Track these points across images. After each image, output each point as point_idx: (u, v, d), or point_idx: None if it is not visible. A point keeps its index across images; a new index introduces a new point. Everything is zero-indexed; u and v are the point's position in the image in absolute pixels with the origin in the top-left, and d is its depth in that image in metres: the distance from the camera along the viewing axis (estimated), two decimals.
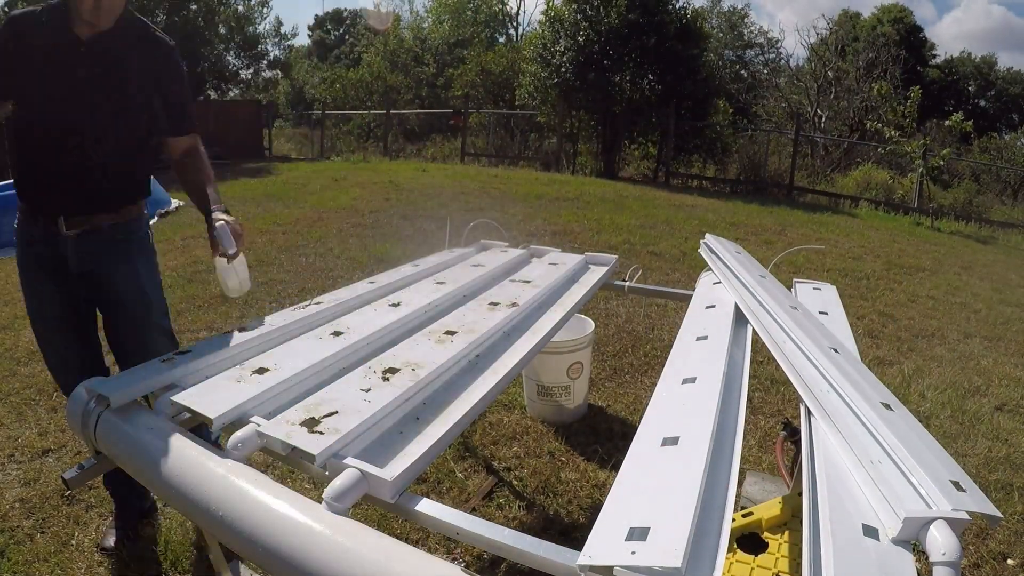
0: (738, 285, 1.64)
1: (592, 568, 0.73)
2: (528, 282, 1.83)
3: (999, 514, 0.79)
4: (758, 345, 1.42)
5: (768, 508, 1.56)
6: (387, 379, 1.18)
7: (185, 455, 0.97)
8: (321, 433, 0.99)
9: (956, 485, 0.82)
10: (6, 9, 12.94)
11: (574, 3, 11.92)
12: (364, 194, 8.23)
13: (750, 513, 1.55)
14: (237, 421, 1.05)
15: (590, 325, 2.71)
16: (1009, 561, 1.94)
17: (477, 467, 2.34)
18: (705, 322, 1.51)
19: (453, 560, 1.86)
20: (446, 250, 2.21)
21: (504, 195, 8.54)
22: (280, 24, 28.85)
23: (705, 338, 1.39)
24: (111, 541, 1.84)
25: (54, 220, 1.56)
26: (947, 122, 11.33)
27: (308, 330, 1.42)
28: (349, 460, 0.93)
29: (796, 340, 1.29)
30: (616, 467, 0.96)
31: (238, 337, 1.33)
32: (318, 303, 1.56)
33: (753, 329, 1.45)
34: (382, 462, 0.95)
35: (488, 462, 2.37)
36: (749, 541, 1.51)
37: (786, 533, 1.51)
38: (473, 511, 2.02)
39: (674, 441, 0.95)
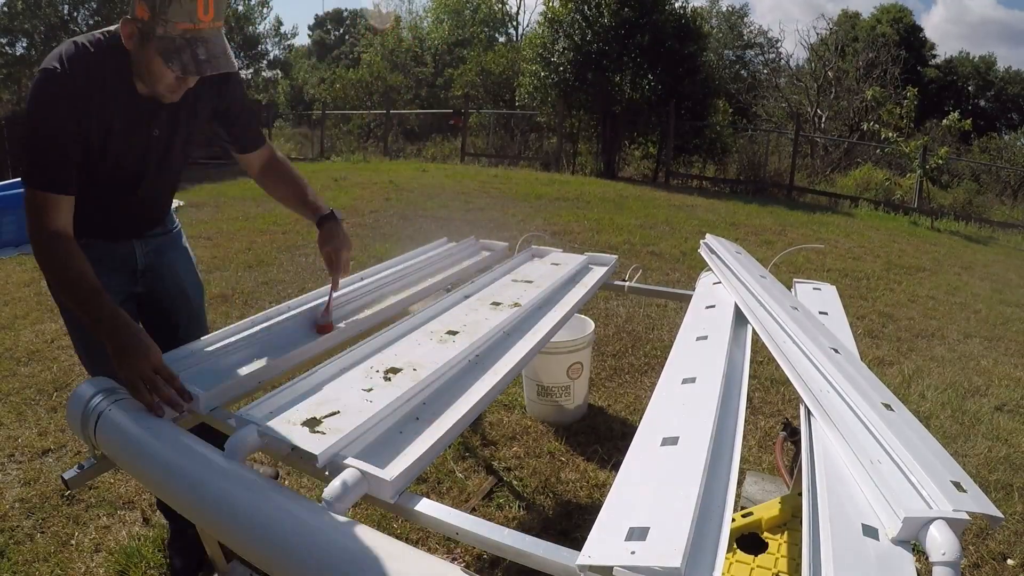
0: (738, 285, 1.64)
1: (592, 568, 0.73)
2: (530, 282, 1.83)
3: (1000, 515, 0.79)
4: (758, 345, 1.42)
5: (768, 508, 1.56)
6: (389, 379, 1.18)
7: (185, 455, 0.97)
8: (323, 433, 0.99)
9: (957, 486, 0.82)
10: (6, 9, 12.95)
11: (571, 3, 11.92)
12: (364, 194, 8.23)
13: (750, 513, 1.55)
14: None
15: (590, 325, 2.71)
16: (1009, 561, 1.94)
17: (477, 467, 2.34)
18: (705, 322, 1.51)
19: (453, 560, 1.86)
20: (443, 239, 2.21)
21: (504, 195, 8.54)
22: (280, 24, 28.82)
23: (705, 338, 1.39)
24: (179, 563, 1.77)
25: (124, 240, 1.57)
26: (944, 121, 11.32)
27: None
28: (349, 460, 0.93)
29: (796, 340, 1.29)
30: (616, 467, 0.96)
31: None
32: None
33: (753, 329, 1.45)
34: (382, 462, 0.95)
35: (488, 462, 2.37)
36: (749, 541, 1.51)
37: (786, 533, 1.51)
38: (473, 511, 2.02)
39: (674, 441, 0.95)
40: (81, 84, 1.22)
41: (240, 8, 17.46)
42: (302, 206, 1.58)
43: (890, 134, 10.42)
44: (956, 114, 11.07)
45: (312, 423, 1.03)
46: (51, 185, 1.23)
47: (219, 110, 1.49)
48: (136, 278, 1.59)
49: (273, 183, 1.62)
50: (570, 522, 2.05)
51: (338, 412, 1.06)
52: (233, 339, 1.34)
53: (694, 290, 1.85)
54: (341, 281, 1.59)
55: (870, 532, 0.78)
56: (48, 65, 1.20)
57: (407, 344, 1.36)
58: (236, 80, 1.50)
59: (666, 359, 1.32)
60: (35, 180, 1.23)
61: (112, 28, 1.27)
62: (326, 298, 1.51)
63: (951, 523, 0.75)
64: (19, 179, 7.58)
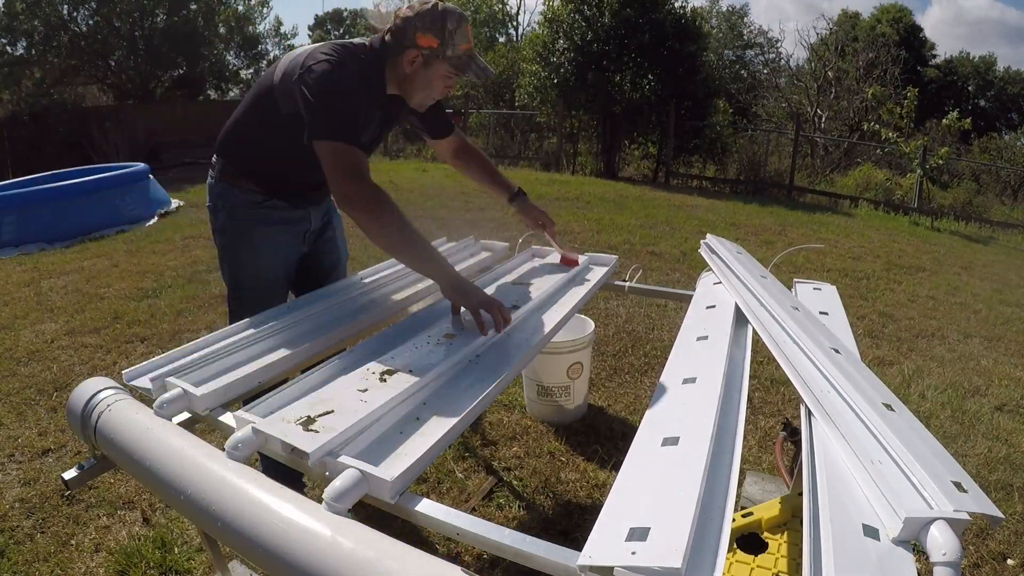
0: (739, 285, 1.64)
1: (592, 568, 0.73)
2: (530, 283, 1.83)
3: (1001, 515, 0.79)
4: (758, 345, 1.41)
5: (768, 508, 1.56)
6: (384, 380, 1.18)
7: (185, 456, 0.97)
8: (316, 432, 0.99)
9: (958, 486, 0.82)
10: (5, 9, 12.95)
11: (571, 3, 11.92)
12: None
13: (750, 513, 1.55)
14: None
15: (590, 325, 2.71)
16: (1009, 561, 1.94)
17: (477, 467, 2.34)
18: (705, 322, 1.51)
19: (453, 560, 1.86)
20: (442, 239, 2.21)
21: None
22: (280, 24, 28.86)
23: (705, 338, 1.39)
24: None
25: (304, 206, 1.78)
26: (944, 121, 11.31)
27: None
28: (349, 460, 0.93)
29: (797, 340, 1.28)
30: (616, 467, 0.96)
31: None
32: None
33: (753, 329, 1.45)
34: (382, 462, 0.95)
35: (488, 462, 2.37)
36: (749, 541, 1.51)
37: (786, 533, 1.51)
38: (473, 511, 2.02)
39: (674, 441, 0.95)
40: (355, 78, 1.46)
41: (240, 8, 17.45)
42: (494, 184, 1.96)
43: (890, 134, 10.41)
44: (956, 113, 11.06)
45: (307, 422, 1.03)
46: (353, 137, 1.40)
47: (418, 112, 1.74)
48: (304, 239, 1.81)
49: (466, 164, 1.95)
50: (570, 522, 2.05)
51: (332, 411, 1.06)
52: (234, 339, 1.34)
53: (694, 290, 1.85)
54: (344, 283, 1.69)
55: (870, 532, 0.78)
56: (327, 59, 1.41)
57: (406, 344, 1.36)
58: None
59: (666, 359, 1.32)
60: (339, 132, 1.38)
61: (348, 42, 1.54)
62: (559, 251, 2.02)
63: (952, 523, 0.75)
64: (19, 179, 7.47)
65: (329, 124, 1.38)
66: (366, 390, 1.14)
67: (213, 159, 1.71)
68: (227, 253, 1.75)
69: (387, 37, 1.55)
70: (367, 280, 1.77)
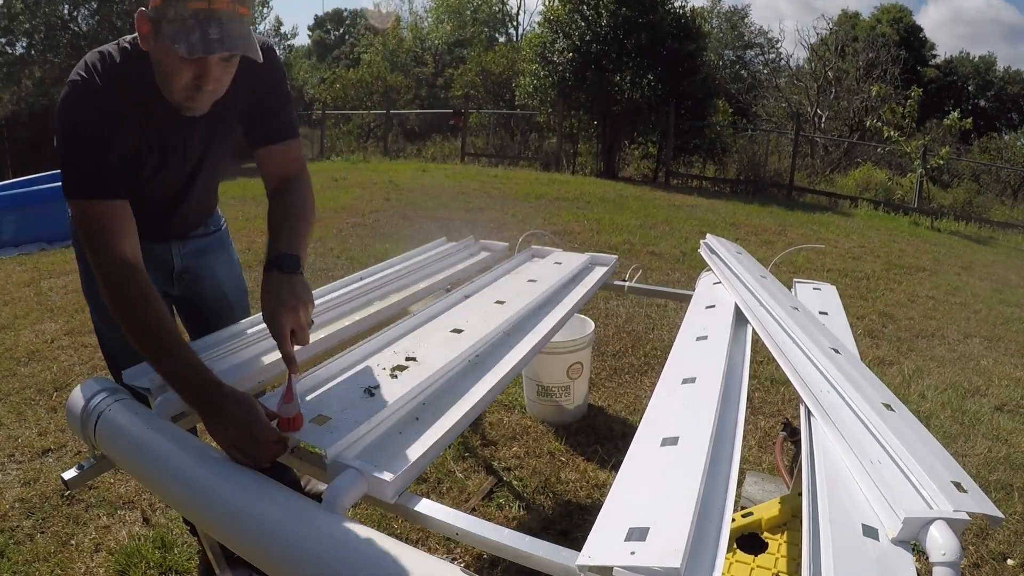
0: (739, 285, 1.64)
1: (591, 568, 0.73)
2: (533, 281, 1.83)
3: (1001, 515, 0.79)
4: (758, 345, 1.41)
5: (768, 508, 1.56)
6: (395, 376, 1.19)
7: (184, 455, 0.97)
8: (330, 431, 0.99)
9: (958, 486, 0.82)
10: (5, 9, 12.93)
11: (569, 3, 11.92)
12: (364, 194, 8.22)
13: (750, 513, 1.55)
14: None
15: (590, 325, 2.71)
16: (1009, 561, 1.94)
17: (477, 467, 2.34)
18: (705, 322, 1.51)
19: (453, 560, 1.86)
20: (441, 239, 2.21)
21: (504, 195, 8.54)
22: (280, 24, 28.80)
23: (705, 338, 1.39)
24: None
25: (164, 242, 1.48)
26: (945, 121, 11.31)
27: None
28: (349, 460, 0.93)
29: (797, 340, 1.28)
30: (616, 467, 0.96)
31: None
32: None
33: (752, 329, 1.45)
34: (382, 462, 0.95)
35: (488, 462, 2.37)
36: (749, 541, 1.51)
37: (786, 533, 1.51)
38: (473, 511, 2.02)
39: (674, 441, 0.95)
40: (107, 93, 1.12)
41: None
42: (272, 237, 1.23)
43: (892, 133, 10.42)
44: (956, 114, 11.06)
45: (318, 420, 1.03)
46: (94, 189, 1.10)
47: (261, 99, 1.30)
48: (172, 279, 1.52)
49: (273, 201, 1.33)
50: (570, 522, 2.05)
51: (341, 410, 1.06)
52: (234, 339, 1.34)
53: (694, 290, 1.85)
54: (352, 284, 1.49)
55: (870, 532, 0.78)
56: (74, 76, 1.12)
57: (407, 343, 1.36)
58: (272, 61, 1.25)
59: (666, 359, 1.32)
60: (76, 189, 1.10)
61: (121, 39, 1.18)
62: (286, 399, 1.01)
63: (951, 523, 0.75)
64: (19, 179, 7.47)
65: (66, 180, 1.11)
66: (377, 386, 1.14)
67: None
68: (87, 288, 1.47)
69: None
70: (367, 281, 1.76)
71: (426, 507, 0.90)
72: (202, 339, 1.30)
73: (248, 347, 1.28)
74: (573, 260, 2.09)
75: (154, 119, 1.19)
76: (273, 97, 1.33)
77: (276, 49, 1.35)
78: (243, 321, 1.41)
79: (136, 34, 1.12)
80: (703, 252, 2.00)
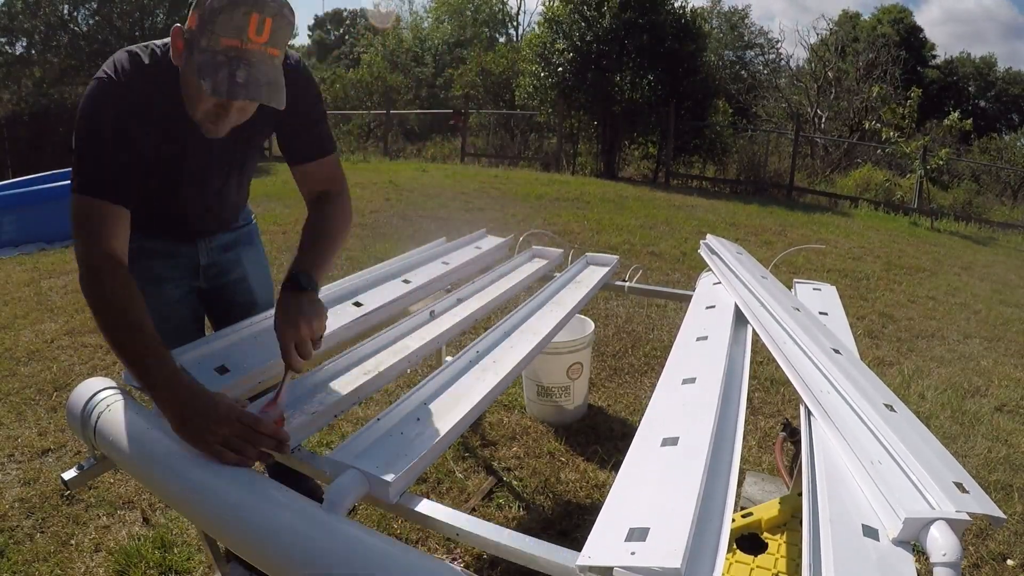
0: (739, 286, 1.64)
1: (591, 568, 0.73)
2: (529, 283, 1.83)
3: (1003, 515, 0.79)
4: (758, 345, 1.41)
5: (768, 508, 1.56)
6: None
7: (184, 456, 0.97)
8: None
9: (959, 486, 0.82)
10: (5, 9, 12.93)
11: (570, 4, 11.92)
12: (364, 194, 8.22)
13: (750, 514, 1.55)
14: None
15: (590, 325, 2.71)
16: (1009, 562, 1.94)
17: (477, 467, 2.34)
18: (705, 322, 1.51)
19: (453, 560, 1.86)
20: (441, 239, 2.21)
21: (504, 195, 8.54)
22: None
23: (705, 338, 1.39)
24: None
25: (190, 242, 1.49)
26: (946, 122, 11.31)
27: None
28: (350, 461, 0.93)
29: (798, 341, 1.28)
30: (616, 467, 0.96)
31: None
32: None
33: (753, 329, 1.45)
34: (382, 463, 0.95)
35: (488, 462, 2.37)
36: (749, 541, 1.51)
37: (785, 534, 1.51)
38: (473, 511, 2.02)
39: (674, 441, 0.95)
40: (132, 97, 1.13)
41: None
42: (298, 255, 1.26)
43: (892, 134, 10.41)
44: (957, 114, 11.06)
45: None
46: (101, 190, 1.11)
47: (294, 114, 1.26)
48: (198, 273, 1.52)
49: (309, 219, 1.34)
50: (570, 522, 2.05)
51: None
52: (233, 339, 1.34)
53: (694, 290, 1.85)
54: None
55: (870, 533, 0.78)
56: (100, 74, 1.13)
57: (407, 342, 1.36)
58: (302, 79, 1.29)
59: (666, 359, 1.32)
60: (83, 185, 1.11)
61: (152, 42, 1.19)
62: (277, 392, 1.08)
63: (952, 524, 0.75)
64: (19, 179, 7.46)
65: (76, 174, 1.12)
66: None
67: None
68: None
69: None
70: (369, 276, 1.76)
71: (426, 507, 0.90)
72: (221, 330, 1.32)
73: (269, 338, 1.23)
74: (575, 263, 2.08)
75: (178, 124, 1.19)
76: (307, 115, 1.33)
77: (305, 63, 1.36)
78: (264, 314, 1.41)
79: (168, 40, 1.13)
80: (703, 252, 2.00)
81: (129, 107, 1.13)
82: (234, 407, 0.97)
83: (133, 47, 1.17)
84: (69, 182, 1.13)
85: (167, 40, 1.13)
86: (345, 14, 34.79)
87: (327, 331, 1.20)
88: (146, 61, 1.15)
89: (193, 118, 1.16)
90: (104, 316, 1.05)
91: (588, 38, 11.52)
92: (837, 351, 1.25)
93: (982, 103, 26.04)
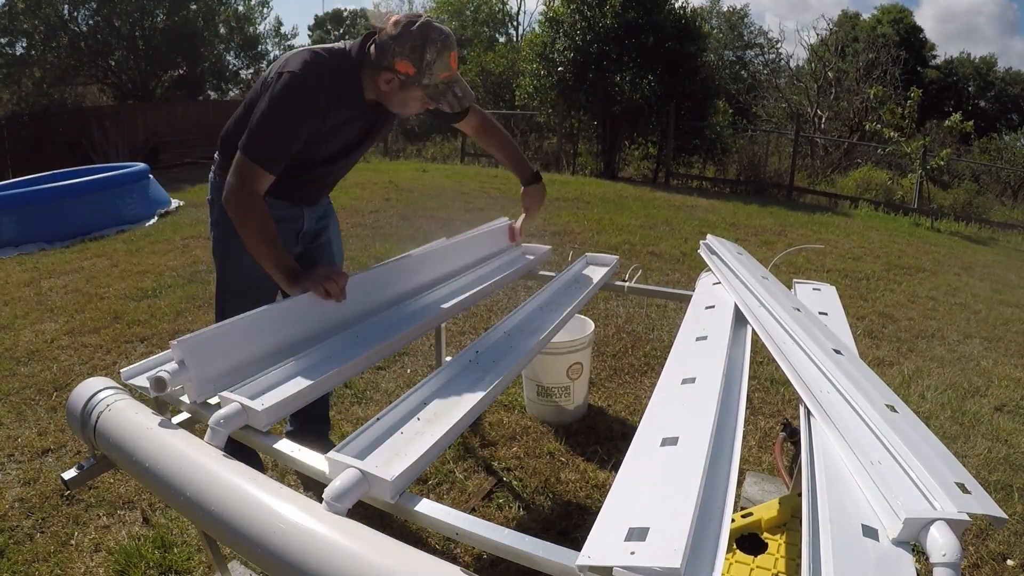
0: (739, 286, 1.64)
1: (591, 568, 0.73)
2: (528, 283, 1.83)
3: (1004, 516, 0.79)
4: (758, 345, 1.41)
5: (767, 508, 1.56)
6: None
7: (184, 456, 0.97)
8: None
9: (961, 487, 0.82)
10: (6, 9, 12.94)
11: (572, 4, 11.92)
12: (364, 194, 8.22)
13: (749, 514, 1.55)
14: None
15: (590, 325, 2.71)
16: (1009, 562, 1.94)
17: (477, 467, 2.34)
18: (705, 322, 1.51)
19: (453, 560, 1.86)
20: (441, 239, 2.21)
21: (504, 195, 8.54)
22: (280, 24, 28.86)
23: (705, 338, 1.39)
24: None
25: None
26: (946, 122, 11.31)
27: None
28: (349, 460, 0.93)
29: (799, 341, 1.28)
30: (616, 467, 0.96)
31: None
32: None
33: (752, 329, 1.45)
34: (382, 462, 0.95)
35: (488, 462, 2.37)
36: (748, 541, 1.51)
37: (785, 534, 1.51)
38: (473, 511, 2.02)
39: (674, 441, 0.95)
40: (321, 92, 1.48)
41: (240, 8, 17.46)
42: (512, 166, 2.08)
43: (892, 134, 10.41)
44: (958, 115, 11.06)
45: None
46: (268, 164, 1.47)
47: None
48: (298, 238, 1.86)
49: (487, 142, 2.03)
50: (570, 522, 2.05)
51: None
52: (232, 333, 1.34)
53: (694, 290, 1.85)
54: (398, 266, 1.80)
55: (870, 533, 0.78)
56: (296, 70, 1.45)
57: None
58: None
59: (666, 359, 1.32)
60: (257, 155, 1.46)
61: (334, 46, 1.56)
62: (518, 223, 2.23)
63: (952, 524, 0.75)
64: (19, 179, 7.49)
65: (257, 147, 1.46)
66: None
67: (215, 155, 1.75)
68: (218, 245, 1.80)
69: (370, 47, 1.53)
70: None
71: (426, 507, 0.90)
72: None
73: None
74: (575, 264, 2.07)
75: (340, 115, 1.57)
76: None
77: None
78: (215, 325, 1.52)
79: (328, 46, 1.55)
80: (703, 252, 2.00)
81: (311, 102, 1.48)
82: (325, 267, 1.50)
83: (316, 48, 1.53)
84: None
85: (329, 46, 1.56)
86: (345, 14, 34.77)
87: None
88: (330, 59, 1.51)
89: (392, 109, 1.60)
90: (248, 219, 1.48)
91: (589, 38, 11.52)
92: (838, 351, 1.25)
93: (982, 103, 26.04)
